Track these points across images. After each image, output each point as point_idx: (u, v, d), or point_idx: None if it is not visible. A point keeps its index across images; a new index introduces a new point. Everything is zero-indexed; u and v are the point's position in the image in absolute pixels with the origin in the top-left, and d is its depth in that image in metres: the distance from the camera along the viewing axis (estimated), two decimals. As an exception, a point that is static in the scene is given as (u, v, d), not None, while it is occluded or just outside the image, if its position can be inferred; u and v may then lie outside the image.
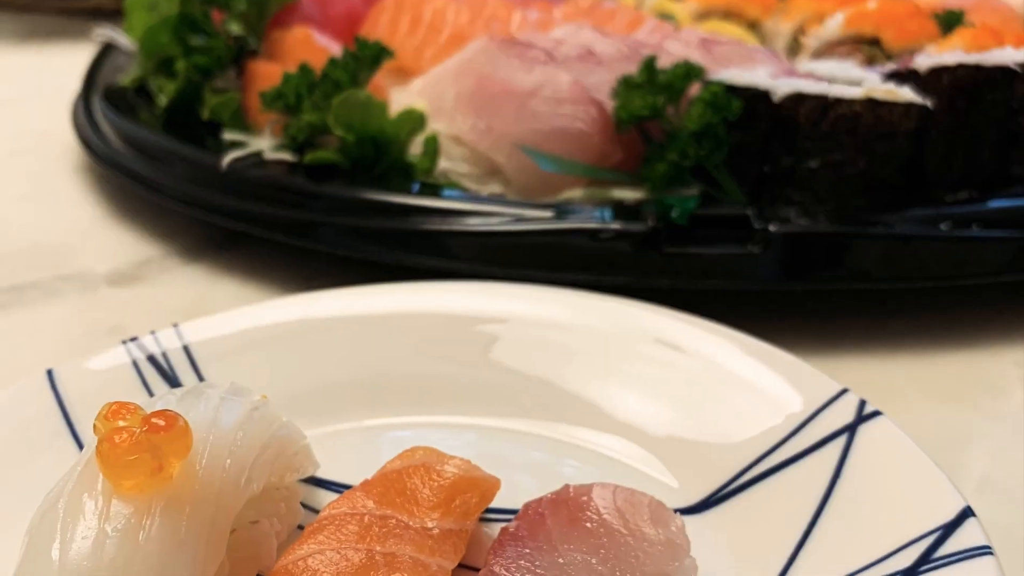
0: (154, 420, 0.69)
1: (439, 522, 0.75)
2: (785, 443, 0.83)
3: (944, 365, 1.08)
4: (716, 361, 0.91)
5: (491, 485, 0.79)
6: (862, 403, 0.83)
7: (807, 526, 0.77)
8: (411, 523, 0.74)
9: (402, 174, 1.23)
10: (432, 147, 1.24)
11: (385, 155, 1.23)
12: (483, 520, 0.81)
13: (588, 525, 0.75)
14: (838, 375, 0.87)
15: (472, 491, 0.77)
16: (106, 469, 0.68)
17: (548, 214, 1.12)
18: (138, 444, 0.68)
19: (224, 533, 0.71)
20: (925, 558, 0.71)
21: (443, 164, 1.25)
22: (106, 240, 1.34)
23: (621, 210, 1.13)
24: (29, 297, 1.21)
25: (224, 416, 0.75)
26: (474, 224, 1.13)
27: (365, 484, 0.78)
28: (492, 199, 1.18)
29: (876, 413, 0.82)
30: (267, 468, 0.77)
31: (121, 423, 0.70)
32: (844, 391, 0.84)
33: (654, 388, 0.91)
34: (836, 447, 0.81)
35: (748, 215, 1.10)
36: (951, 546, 0.71)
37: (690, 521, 0.79)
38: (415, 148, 1.25)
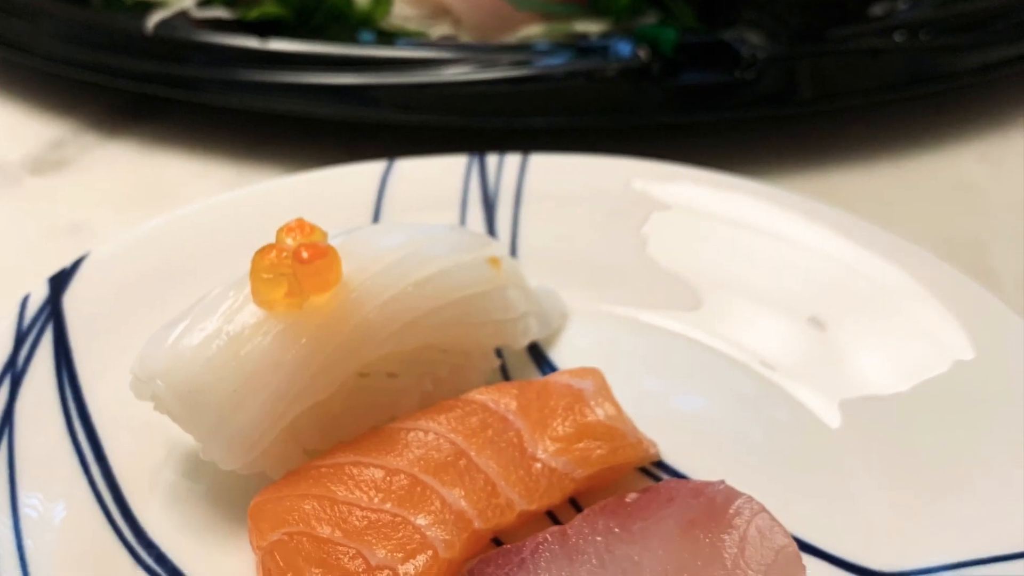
0: (303, 250, 0.66)
1: (549, 456, 0.69)
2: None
3: (917, 168, 1.06)
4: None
5: (635, 449, 0.71)
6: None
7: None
8: (526, 443, 0.69)
9: (343, 23, 1.13)
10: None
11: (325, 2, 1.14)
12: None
13: (697, 533, 0.64)
14: (830, 192, 0.89)
15: (603, 442, 0.70)
16: (251, 278, 0.67)
17: (523, 57, 1.05)
18: (274, 265, 0.66)
19: (336, 375, 0.69)
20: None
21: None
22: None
23: (599, 49, 1.06)
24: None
25: (414, 265, 0.72)
26: (459, 73, 1.04)
27: (524, 384, 0.73)
28: (480, 47, 1.09)
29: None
30: (440, 331, 0.73)
31: (289, 240, 0.68)
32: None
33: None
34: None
35: (728, 41, 1.04)
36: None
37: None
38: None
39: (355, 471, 0.67)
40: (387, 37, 1.11)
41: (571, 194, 0.90)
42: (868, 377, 0.77)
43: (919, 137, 1.09)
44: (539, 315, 0.81)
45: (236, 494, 0.70)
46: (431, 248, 0.73)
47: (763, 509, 0.65)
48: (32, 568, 0.64)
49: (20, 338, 0.75)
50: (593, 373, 0.74)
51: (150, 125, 1.12)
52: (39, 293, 0.78)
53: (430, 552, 0.63)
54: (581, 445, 0.70)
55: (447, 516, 0.65)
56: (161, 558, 0.67)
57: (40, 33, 1.13)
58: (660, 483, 0.67)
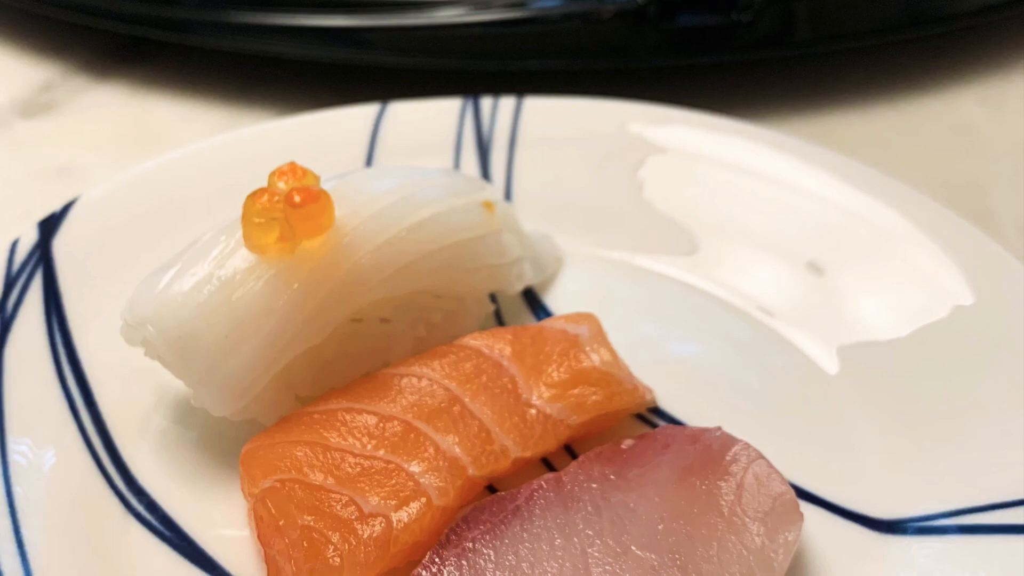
0: (295, 194, 0.65)
1: (544, 402, 0.67)
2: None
3: (916, 111, 1.04)
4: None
5: (631, 395, 0.69)
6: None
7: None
8: (521, 390, 0.67)
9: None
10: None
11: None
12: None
13: (693, 479, 0.63)
14: (828, 135, 0.88)
15: (599, 388, 0.68)
16: (243, 222, 0.65)
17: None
18: (266, 210, 0.65)
19: (329, 320, 0.67)
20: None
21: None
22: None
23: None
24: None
25: (407, 209, 0.70)
26: (453, 15, 1.01)
27: (519, 330, 0.71)
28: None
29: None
30: (434, 276, 0.72)
31: (281, 184, 0.66)
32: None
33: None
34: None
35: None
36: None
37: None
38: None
39: (348, 417, 0.65)
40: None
41: (566, 137, 0.88)
42: (866, 322, 0.75)
43: (918, 80, 1.07)
44: (534, 260, 0.79)
45: (227, 441, 0.69)
46: (425, 192, 0.72)
47: (760, 456, 0.64)
48: (21, 515, 0.63)
49: (9, 283, 0.74)
50: (588, 319, 0.73)
51: (140, 68, 1.10)
52: (28, 237, 0.77)
53: (424, 499, 0.62)
54: (576, 391, 0.68)
55: (441, 463, 0.63)
56: (151, 505, 0.66)
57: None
58: (656, 429, 0.66)
